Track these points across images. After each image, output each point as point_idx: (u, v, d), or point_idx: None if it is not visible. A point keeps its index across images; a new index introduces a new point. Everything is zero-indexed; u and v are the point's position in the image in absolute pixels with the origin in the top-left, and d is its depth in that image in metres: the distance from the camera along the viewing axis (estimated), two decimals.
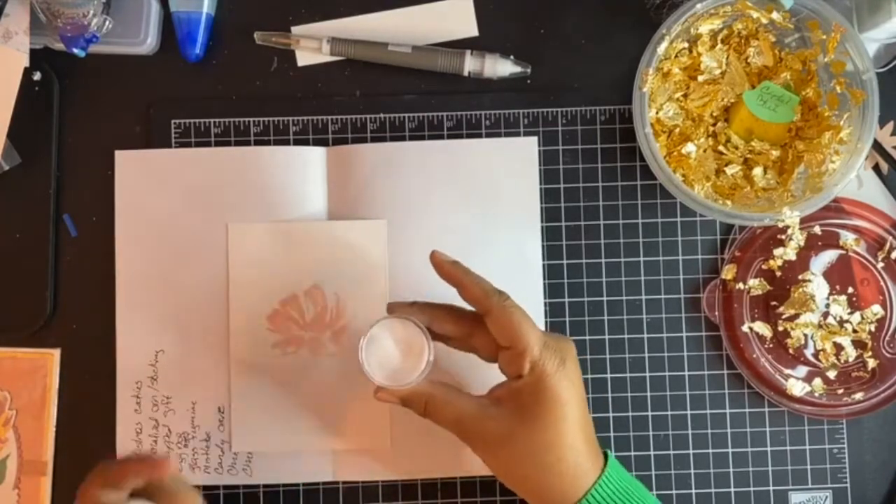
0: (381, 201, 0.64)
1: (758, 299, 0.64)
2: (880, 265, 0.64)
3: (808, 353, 0.63)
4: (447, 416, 0.52)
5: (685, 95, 0.64)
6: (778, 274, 0.64)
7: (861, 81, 0.59)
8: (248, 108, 0.66)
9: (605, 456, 0.53)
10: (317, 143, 0.65)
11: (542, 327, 0.64)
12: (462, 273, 0.53)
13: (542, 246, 0.64)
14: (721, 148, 0.63)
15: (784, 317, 0.64)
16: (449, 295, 0.55)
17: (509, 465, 0.51)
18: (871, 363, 0.63)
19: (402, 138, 0.65)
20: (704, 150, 0.63)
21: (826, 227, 0.64)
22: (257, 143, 0.66)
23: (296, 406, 0.63)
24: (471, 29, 0.66)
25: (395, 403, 0.54)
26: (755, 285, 0.64)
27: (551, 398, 0.50)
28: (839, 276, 0.64)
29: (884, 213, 0.65)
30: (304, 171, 0.64)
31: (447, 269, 0.54)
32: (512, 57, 0.65)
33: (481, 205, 0.64)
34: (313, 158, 0.65)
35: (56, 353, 0.64)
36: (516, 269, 0.64)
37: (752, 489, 0.64)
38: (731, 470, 0.64)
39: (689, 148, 0.62)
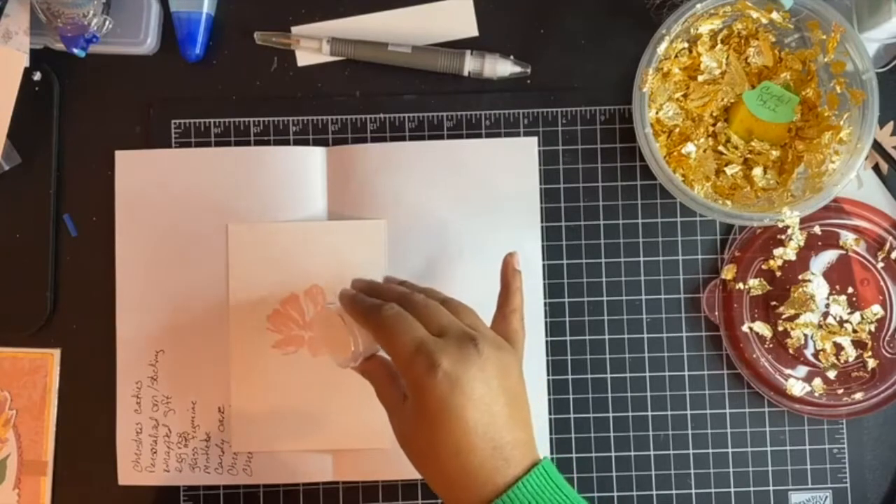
0: (381, 201, 0.64)
1: (758, 299, 0.64)
2: (880, 265, 0.64)
3: (808, 353, 0.63)
4: (382, 401, 0.52)
5: (685, 95, 0.64)
6: (778, 274, 0.64)
7: (861, 81, 0.59)
8: (248, 108, 0.66)
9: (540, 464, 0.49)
10: (317, 143, 0.65)
11: (542, 327, 0.64)
12: (352, 302, 0.53)
13: (542, 246, 0.64)
14: (721, 148, 0.63)
15: (784, 317, 0.64)
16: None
17: (415, 461, 0.50)
18: (871, 363, 0.63)
19: (402, 138, 0.65)
20: (704, 150, 0.63)
21: (826, 227, 0.64)
22: (257, 143, 0.66)
23: (296, 406, 0.63)
24: (471, 29, 0.66)
25: (358, 373, 0.54)
26: (755, 285, 0.64)
27: (424, 405, 0.47)
28: (839, 276, 0.64)
29: (884, 213, 0.65)
30: (304, 171, 0.64)
31: (345, 301, 0.53)
32: (512, 57, 0.65)
33: (481, 205, 0.64)
34: (313, 158, 0.65)
35: (56, 353, 0.64)
36: None
37: (752, 489, 0.64)
38: (731, 470, 0.64)
39: (689, 148, 0.62)
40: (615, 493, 0.64)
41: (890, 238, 0.64)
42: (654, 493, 0.64)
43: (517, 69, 0.65)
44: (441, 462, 0.48)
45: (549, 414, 0.64)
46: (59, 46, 0.63)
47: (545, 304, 0.64)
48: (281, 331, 0.63)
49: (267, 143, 0.66)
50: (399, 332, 0.49)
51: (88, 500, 0.64)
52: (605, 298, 0.65)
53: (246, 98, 0.66)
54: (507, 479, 0.47)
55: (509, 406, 0.48)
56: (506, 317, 0.54)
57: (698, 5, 0.59)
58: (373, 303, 0.51)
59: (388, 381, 0.52)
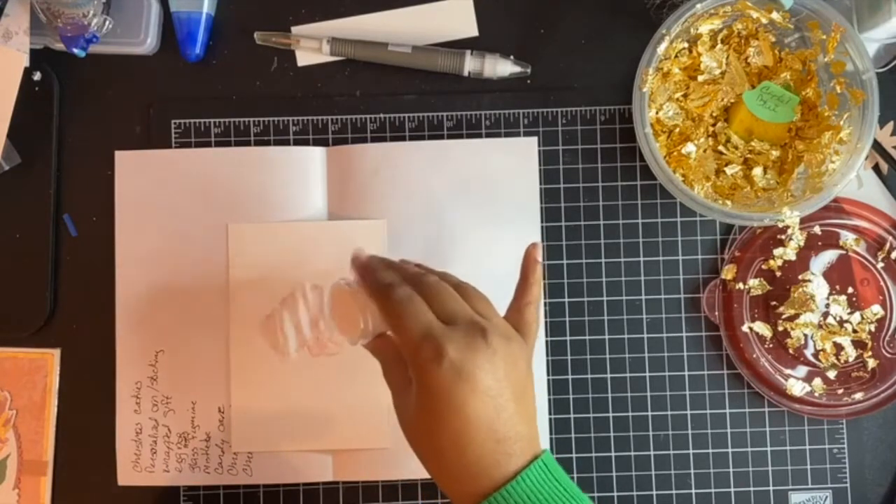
0: (381, 201, 0.64)
1: (758, 299, 0.64)
2: (880, 265, 0.64)
3: (808, 353, 0.63)
4: (388, 382, 0.51)
5: (685, 95, 0.64)
6: (778, 274, 0.64)
7: (861, 81, 0.59)
8: (248, 108, 0.66)
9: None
10: (317, 143, 0.65)
11: (542, 327, 0.64)
12: (364, 269, 0.51)
13: (542, 246, 0.64)
14: (721, 148, 0.63)
15: (784, 317, 0.64)
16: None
17: (415, 448, 0.49)
18: (871, 363, 0.63)
19: (402, 138, 0.65)
20: (704, 150, 0.63)
21: (826, 227, 0.64)
22: (257, 143, 0.66)
23: (296, 406, 0.63)
24: (471, 29, 0.66)
25: (368, 350, 0.53)
26: (755, 285, 0.64)
27: (428, 393, 0.46)
28: (839, 276, 0.64)
29: (884, 213, 0.65)
30: (304, 171, 0.64)
31: (358, 266, 0.52)
32: (512, 57, 0.65)
33: (481, 205, 0.64)
34: (313, 158, 0.65)
35: (56, 353, 0.64)
36: (516, 269, 0.63)
37: (752, 489, 0.64)
38: (731, 470, 0.64)
39: (689, 148, 0.62)
40: (615, 493, 0.64)
41: (890, 238, 0.64)
42: (654, 493, 0.64)
43: (517, 69, 0.65)
44: (441, 452, 0.47)
45: (549, 414, 0.64)
46: (59, 46, 0.63)
47: (545, 304, 0.64)
48: None
49: (267, 143, 0.66)
50: (407, 317, 0.48)
51: (88, 500, 0.64)
52: (605, 298, 0.65)
53: (246, 98, 0.66)
54: (507, 474, 0.46)
55: (515, 399, 0.47)
56: (520, 309, 0.53)
57: (698, 5, 0.59)
58: (386, 279, 0.50)
59: (395, 363, 0.51)
